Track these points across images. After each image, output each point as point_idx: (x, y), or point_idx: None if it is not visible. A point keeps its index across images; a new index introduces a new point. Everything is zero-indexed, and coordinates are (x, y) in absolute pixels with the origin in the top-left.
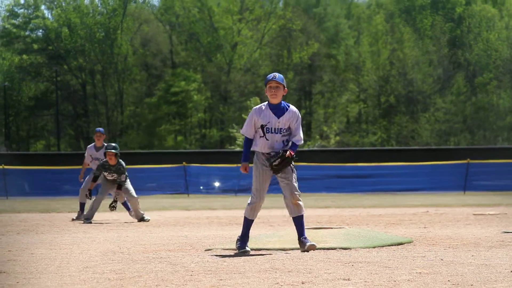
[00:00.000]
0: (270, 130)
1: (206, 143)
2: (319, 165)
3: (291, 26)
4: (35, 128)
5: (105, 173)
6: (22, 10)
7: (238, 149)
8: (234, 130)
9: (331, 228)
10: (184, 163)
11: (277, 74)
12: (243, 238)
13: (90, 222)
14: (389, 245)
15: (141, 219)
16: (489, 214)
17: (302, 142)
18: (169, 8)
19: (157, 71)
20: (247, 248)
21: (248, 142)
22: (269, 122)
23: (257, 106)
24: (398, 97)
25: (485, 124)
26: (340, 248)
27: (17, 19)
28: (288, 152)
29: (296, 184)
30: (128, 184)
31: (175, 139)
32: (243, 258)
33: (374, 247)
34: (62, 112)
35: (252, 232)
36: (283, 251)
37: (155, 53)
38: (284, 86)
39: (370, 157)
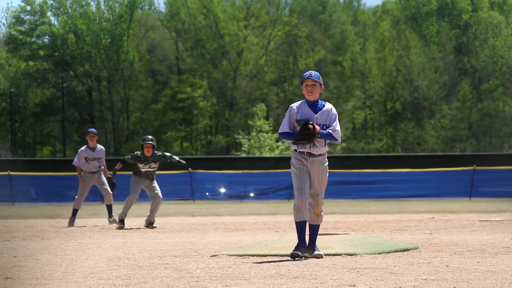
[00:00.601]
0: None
1: (212, 149)
2: None
3: (297, 33)
4: (41, 134)
5: (140, 165)
6: (28, 17)
7: (243, 155)
8: (240, 137)
9: (337, 234)
10: (190, 169)
11: (313, 72)
12: (298, 243)
13: (123, 226)
14: (394, 251)
15: (150, 223)
16: (495, 220)
17: (338, 134)
18: (175, 15)
19: (163, 77)
20: (298, 252)
21: (288, 132)
22: (307, 118)
23: (295, 103)
24: (404, 103)
25: (491, 130)
26: (345, 254)
27: (24, 26)
28: (314, 126)
29: (323, 192)
30: (156, 183)
31: (181, 145)
32: (248, 264)
33: (379, 253)
34: (68, 118)
35: (258, 238)
36: (288, 257)
37: (161, 60)
38: (320, 84)
39: (375, 163)
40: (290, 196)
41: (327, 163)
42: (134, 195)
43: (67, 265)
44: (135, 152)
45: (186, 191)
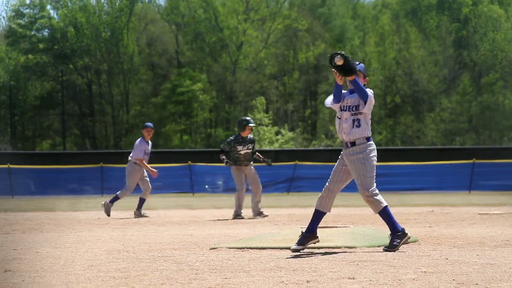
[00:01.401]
0: (342, 108)
1: (212, 142)
2: (325, 164)
3: (297, 26)
4: (40, 128)
5: (239, 147)
6: (28, 10)
7: None
8: None
9: (336, 227)
10: (189, 162)
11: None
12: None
13: (243, 217)
14: None
15: (259, 213)
16: (494, 213)
17: (368, 94)
18: (175, 8)
19: (163, 70)
20: (296, 246)
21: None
22: (343, 100)
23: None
24: (404, 97)
25: (491, 124)
26: (345, 247)
27: (23, 19)
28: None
29: (368, 180)
30: (254, 170)
31: (180, 139)
32: (248, 256)
33: (379, 246)
34: (67, 111)
35: (257, 230)
36: (288, 250)
37: (161, 53)
38: (364, 75)
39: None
40: (289, 189)
41: (364, 153)
42: (241, 189)
43: (66, 257)
44: (228, 138)
45: (186, 184)
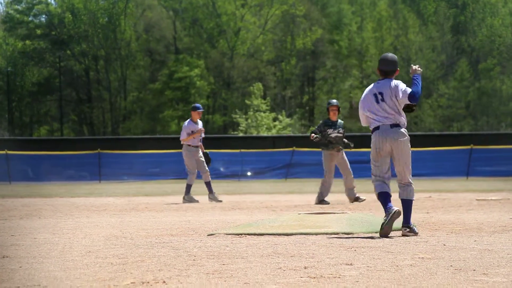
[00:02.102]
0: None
1: (209, 129)
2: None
3: (294, 12)
4: (38, 114)
5: (329, 130)
6: None
7: (241, 134)
8: (237, 116)
9: (334, 213)
10: None
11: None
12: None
13: (328, 203)
14: (391, 230)
15: (356, 199)
16: (491, 199)
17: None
18: None
19: (161, 57)
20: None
21: None
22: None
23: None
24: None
25: (488, 110)
26: (342, 233)
27: (20, 5)
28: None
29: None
30: (346, 157)
31: (178, 125)
32: (245, 243)
33: (376, 232)
34: (65, 97)
35: (255, 217)
36: (285, 236)
37: (158, 39)
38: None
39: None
40: (287, 176)
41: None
42: (330, 175)
43: (64, 243)
44: (319, 122)
45: (184, 170)
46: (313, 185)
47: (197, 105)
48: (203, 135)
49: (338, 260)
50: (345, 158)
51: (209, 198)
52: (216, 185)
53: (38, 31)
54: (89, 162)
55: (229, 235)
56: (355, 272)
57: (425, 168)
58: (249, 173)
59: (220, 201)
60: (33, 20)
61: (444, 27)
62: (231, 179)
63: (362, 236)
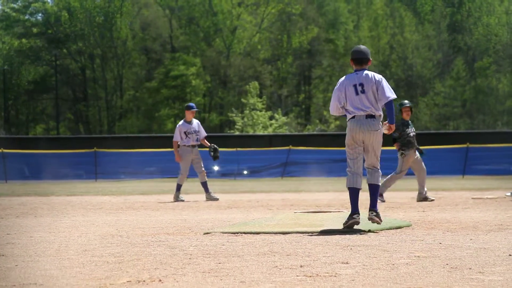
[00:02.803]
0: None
1: (206, 127)
2: (319, 149)
3: (291, 11)
4: (34, 112)
5: (408, 130)
6: None
7: (237, 133)
8: (233, 115)
9: (330, 211)
10: None
11: (361, 46)
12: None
13: (383, 200)
14: (387, 229)
15: (425, 198)
16: (487, 198)
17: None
18: None
19: (157, 55)
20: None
21: None
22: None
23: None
24: (398, 81)
25: (485, 108)
26: (338, 231)
27: (17, 3)
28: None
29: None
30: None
31: (174, 123)
32: (241, 241)
33: (372, 231)
34: (61, 96)
35: (251, 215)
36: (281, 235)
37: (154, 37)
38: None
39: None
40: (283, 174)
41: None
42: (403, 172)
43: (60, 242)
44: (195, 133)
45: (179, 168)
46: (311, 184)
47: (191, 104)
48: (203, 134)
49: (334, 259)
50: (420, 157)
51: (206, 198)
52: (212, 184)
53: (35, 30)
54: (85, 160)
55: (225, 234)
56: (351, 271)
57: None
58: (245, 172)
59: (217, 199)
60: (30, 18)
61: (440, 26)
62: (227, 178)
63: (358, 234)
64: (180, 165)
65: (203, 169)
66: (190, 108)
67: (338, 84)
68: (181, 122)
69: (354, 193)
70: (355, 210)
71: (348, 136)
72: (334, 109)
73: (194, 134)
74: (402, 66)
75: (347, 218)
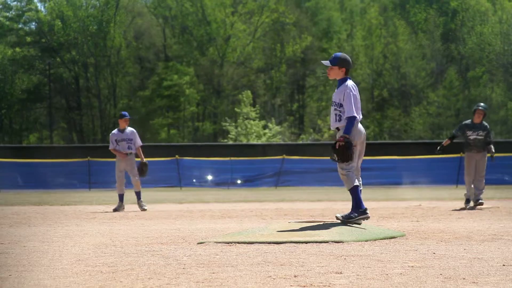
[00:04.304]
0: (332, 103)
1: (199, 136)
2: (312, 158)
3: (284, 20)
4: (27, 121)
5: (468, 132)
6: (15, 3)
7: (230, 142)
8: (227, 124)
9: (324, 221)
10: (177, 156)
11: (334, 55)
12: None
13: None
14: (381, 239)
15: (476, 202)
16: (483, 207)
17: (352, 115)
18: (162, 1)
19: (150, 64)
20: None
21: None
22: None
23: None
24: (391, 90)
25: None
26: (332, 241)
27: (10, 12)
28: (336, 143)
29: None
30: (485, 160)
31: (168, 132)
32: (235, 251)
33: (366, 241)
34: (55, 105)
35: (245, 225)
36: (275, 245)
37: (148, 47)
38: (338, 66)
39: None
40: (277, 184)
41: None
42: (468, 177)
43: (54, 252)
44: (462, 123)
45: (173, 178)
46: (305, 193)
47: (124, 112)
48: (139, 143)
49: (328, 269)
50: (483, 160)
51: (139, 205)
52: (206, 193)
53: (28, 38)
54: (79, 170)
55: (219, 244)
56: (345, 281)
57: (414, 176)
58: (239, 181)
59: (145, 209)
60: (23, 27)
61: (434, 35)
62: (221, 187)
63: (352, 244)
64: (115, 174)
65: (137, 178)
66: (122, 116)
67: (352, 87)
68: (114, 130)
69: (358, 190)
70: (364, 206)
71: (356, 137)
72: (357, 111)
73: (125, 142)
74: (396, 75)
75: (359, 214)
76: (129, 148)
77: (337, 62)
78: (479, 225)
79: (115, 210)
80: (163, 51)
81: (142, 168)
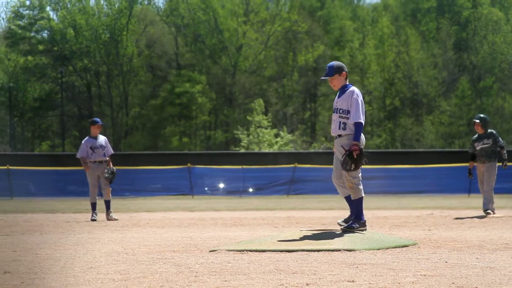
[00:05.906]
0: (334, 110)
1: (211, 145)
2: (324, 167)
3: (296, 29)
4: (40, 129)
5: (475, 144)
6: (27, 11)
7: (242, 150)
8: (239, 132)
9: (336, 230)
10: (189, 164)
11: (327, 67)
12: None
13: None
14: (393, 247)
15: (485, 211)
16: (493, 216)
17: (360, 121)
18: (174, 10)
19: (162, 72)
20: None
21: None
22: (334, 103)
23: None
24: (403, 99)
25: (490, 127)
26: (344, 250)
27: (23, 20)
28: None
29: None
30: (493, 171)
31: (180, 141)
32: (247, 259)
33: (378, 249)
34: (67, 113)
35: (257, 233)
36: (287, 253)
37: (160, 55)
38: (338, 74)
39: (375, 159)
40: (289, 192)
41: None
42: (480, 186)
43: (66, 259)
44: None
45: (185, 186)
46: (317, 202)
47: (96, 119)
48: (110, 151)
49: (340, 277)
50: (489, 170)
51: (107, 216)
52: (218, 201)
53: (40, 47)
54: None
55: (231, 252)
56: None
57: (426, 185)
58: (250, 189)
59: (116, 219)
60: (35, 35)
61: (446, 44)
62: (232, 195)
63: (364, 253)
64: (88, 182)
65: (109, 187)
66: (95, 123)
67: (359, 94)
68: (86, 138)
69: (362, 202)
70: (364, 218)
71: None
72: (363, 117)
73: (101, 149)
74: (408, 84)
75: (360, 225)
76: (104, 155)
77: (335, 70)
78: (491, 234)
79: (93, 219)
80: (175, 60)
81: (111, 176)
